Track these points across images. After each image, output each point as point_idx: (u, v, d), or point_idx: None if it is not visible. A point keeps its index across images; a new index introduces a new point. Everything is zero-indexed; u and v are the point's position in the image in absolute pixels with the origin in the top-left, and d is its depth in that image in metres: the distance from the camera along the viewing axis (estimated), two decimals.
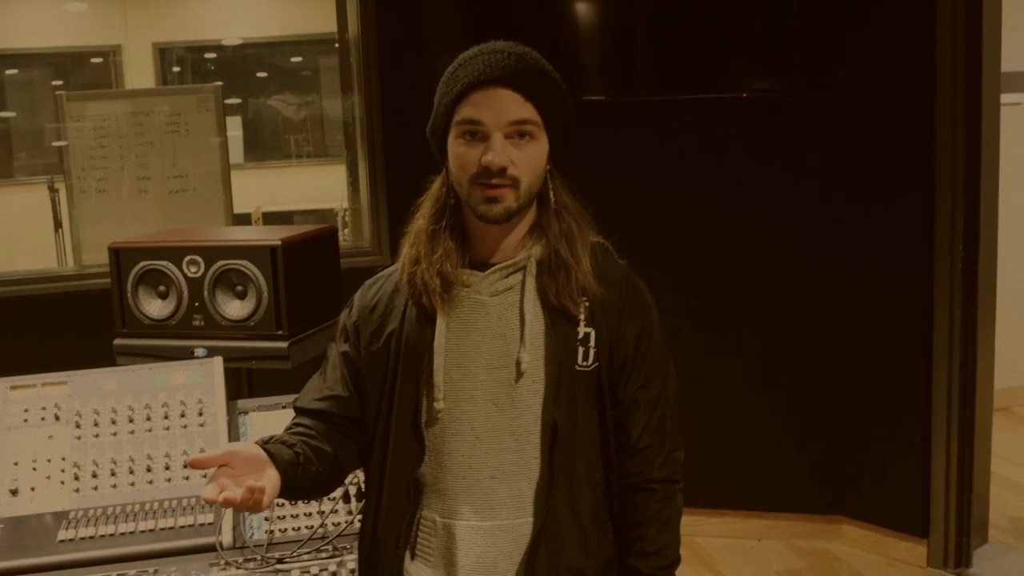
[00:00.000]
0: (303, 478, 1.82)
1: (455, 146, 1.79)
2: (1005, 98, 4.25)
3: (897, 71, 4.07)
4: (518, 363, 1.80)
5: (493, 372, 1.82)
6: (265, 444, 1.78)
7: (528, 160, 1.77)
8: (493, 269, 1.83)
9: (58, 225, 6.90)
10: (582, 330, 1.81)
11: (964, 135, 3.90)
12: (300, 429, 1.92)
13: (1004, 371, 4.39)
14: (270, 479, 1.71)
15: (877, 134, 4.15)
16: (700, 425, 4.41)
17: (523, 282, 1.82)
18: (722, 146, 4.39)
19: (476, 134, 1.76)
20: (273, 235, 3.08)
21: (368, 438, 1.91)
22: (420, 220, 1.89)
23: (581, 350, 1.81)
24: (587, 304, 1.82)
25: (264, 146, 9.22)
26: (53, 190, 6.90)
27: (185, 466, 2.55)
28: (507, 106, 1.75)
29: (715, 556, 4.33)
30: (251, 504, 1.62)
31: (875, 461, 4.30)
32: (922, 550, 4.15)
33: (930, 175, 3.98)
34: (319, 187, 8.16)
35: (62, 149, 5.30)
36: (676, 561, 1.91)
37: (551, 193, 1.85)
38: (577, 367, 1.81)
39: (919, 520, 4.16)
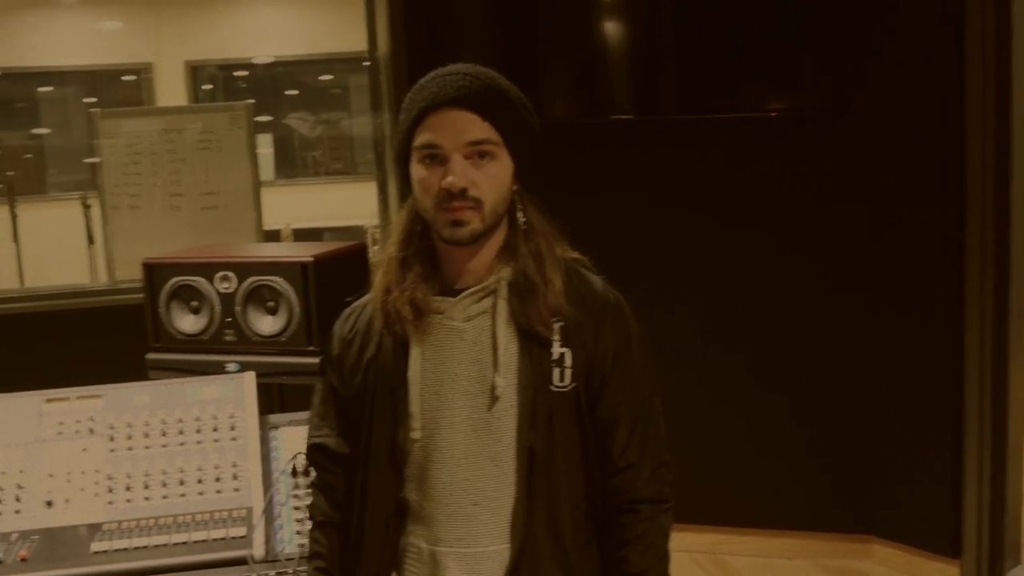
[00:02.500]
0: None
1: (416, 171, 1.79)
2: None
3: (924, 89, 4.06)
4: (493, 388, 1.79)
5: (470, 398, 1.81)
6: None
7: (490, 180, 1.76)
8: (465, 294, 1.82)
9: (91, 240, 6.97)
10: (556, 351, 1.79)
11: (994, 153, 3.87)
12: (319, 533, 2.01)
13: None
14: None
15: (905, 152, 4.14)
16: (730, 444, 4.41)
17: (495, 306, 1.81)
18: (747, 165, 4.39)
19: (436, 157, 1.75)
20: (304, 252, 3.09)
21: (353, 471, 1.92)
22: (390, 248, 1.89)
23: (557, 371, 1.79)
24: (561, 324, 1.79)
25: (294, 163, 9.28)
26: (86, 206, 6.97)
27: (217, 479, 2.57)
28: (463, 127, 1.74)
29: (745, 575, 4.31)
30: None
31: (906, 480, 4.27)
32: (954, 571, 4.12)
33: (960, 193, 3.96)
34: (348, 204, 8.20)
35: (95, 165, 5.36)
36: None
37: (519, 213, 1.84)
38: (553, 388, 1.79)
39: (950, 540, 4.12)
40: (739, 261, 4.41)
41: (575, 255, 1.91)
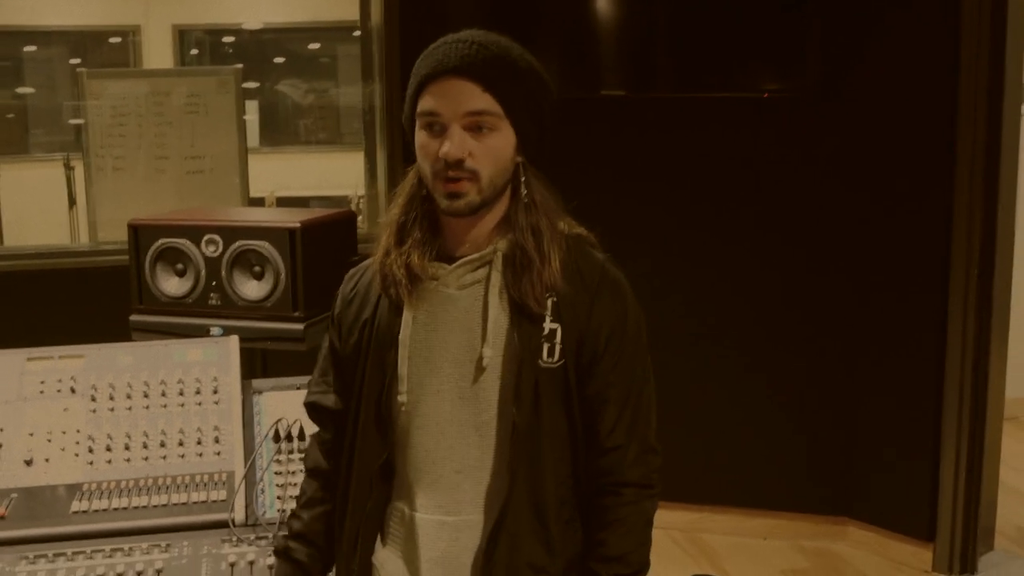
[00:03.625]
0: (317, 570, 1.98)
1: (418, 137, 1.78)
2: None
3: (918, 74, 4.07)
4: (480, 358, 1.78)
5: (458, 366, 1.81)
6: (287, 557, 2.00)
7: (489, 152, 1.74)
8: (460, 263, 1.81)
9: (72, 202, 6.92)
10: (548, 326, 1.77)
11: (984, 141, 3.89)
12: (309, 482, 2.04)
13: (1013, 381, 4.37)
14: None
15: (895, 137, 4.15)
16: (708, 422, 4.42)
17: (489, 276, 1.80)
18: (739, 145, 4.38)
19: (435, 126, 1.74)
20: (292, 217, 3.09)
21: (343, 427, 1.93)
22: (393, 210, 1.87)
23: (546, 346, 1.77)
24: (554, 299, 1.78)
25: (279, 131, 9.23)
26: (68, 167, 6.92)
27: (199, 443, 2.56)
28: (463, 97, 1.72)
29: (720, 553, 4.33)
30: None
31: (883, 464, 4.30)
32: (928, 554, 4.15)
33: (949, 180, 3.97)
34: (333, 174, 8.17)
35: (79, 127, 5.31)
36: (641, 569, 1.85)
37: (522, 187, 1.82)
38: (541, 363, 1.77)
39: (925, 524, 4.16)
40: (725, 240, 4.42)
41: (580, 231, 1.89)
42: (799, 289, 4.39)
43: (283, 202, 7.38)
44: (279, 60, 9.27)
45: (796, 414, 4.44)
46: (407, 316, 1.81)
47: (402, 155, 4.52)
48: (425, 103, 1.75)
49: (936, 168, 4.02)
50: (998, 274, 3.98)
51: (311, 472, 2.04)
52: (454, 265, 1.81)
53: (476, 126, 1.73)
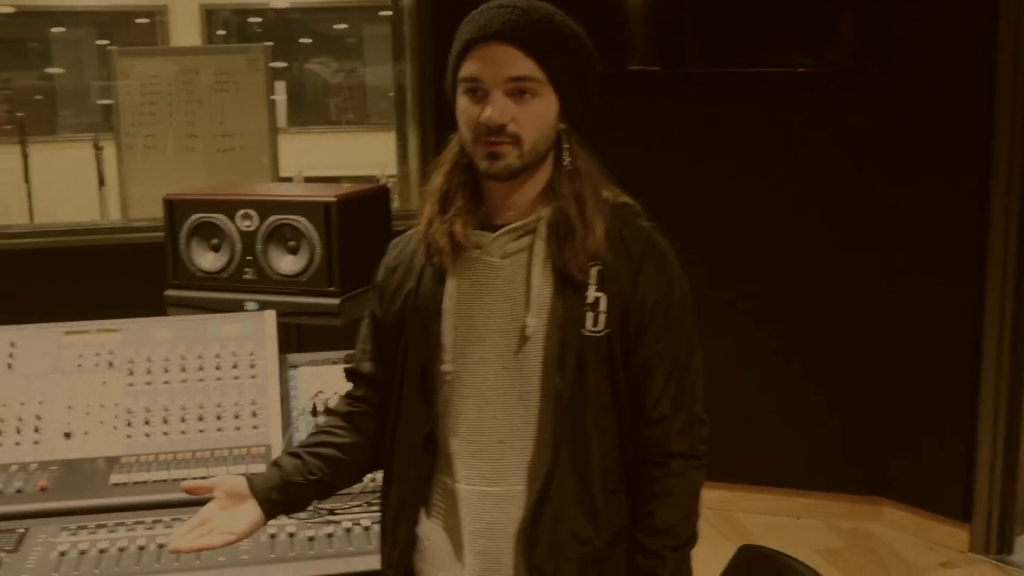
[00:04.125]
0: (296, 497, 1.92)
1: (460, 102, 1.76)
2: None
3: (954, 49, 4.02)
4: (523, 328, 1.76)
5: (502, 336, 1.79)
6: (275, 464, 1.94)
7: (531, 118, 1.72)
8: (504, 231, 1.79)
9: (102, 182, 6.95)
10: (592, 295, 1.75)
11: (1023, 119, 3.84)
12: (326, 426, 1.99)
13: None
14: (247, 513, 1.86)
15: (931, 114, 4.11)
16: (742, 401, 4.40)
17: (532, 245, 1.78)
18: (770, 122, 4.36)
19: (478, 91, 1.72)
20: (327, 192, 3.07)
21: (387, 399, 1.91)
22: (436, 179, 1.85)
23: (590, 315, 1.75)
24: (599, 268, 1.76)
25: (306, 111, 9.22)
26: (98, 148, 6.94)
27: (236, 416, 2.56)
28: (505, 62, 1.70)
29: (754, 532, 4.31)
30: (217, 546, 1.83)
31: (919, 443, 4.27)
32: (964, 535, 4.13)
33: (986, 160, 3.93)
34: (360, 154, 8.16)
35: (109, 106, 5.32)
36: (689, 541, 1.83)
37: (565, 154, 1.79)
38: (585, 332, 1.75)
39: (962, 504, 4.14)
40: (758, 219, 4.39)
41: (625, 199, 1.86)
42: (832, 268, 4.36)
43: (311, 181, 7.37)
44: (306, 40, 9.25)
45: (830, 393, 4.42)
46: (451, 285, 1.80)
47: (434, 134, 4.51)
48: (467, 69, 1.73)
49: (973, 146, 3.98)
50: None
51: (328, 412, 2.06)
52: (497, 233, 1.79)
53: (518, 91, 1.71)
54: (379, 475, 2.34)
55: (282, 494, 1.88)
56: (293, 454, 1.94)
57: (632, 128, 4.28)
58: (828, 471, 4.45)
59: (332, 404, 2.10)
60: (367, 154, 7.89)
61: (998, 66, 3.86)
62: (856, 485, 4.42)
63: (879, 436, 4.37)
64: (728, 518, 4.41)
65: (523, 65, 1.71)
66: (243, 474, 1.92)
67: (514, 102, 1.71)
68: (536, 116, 1.73)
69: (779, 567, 2.16)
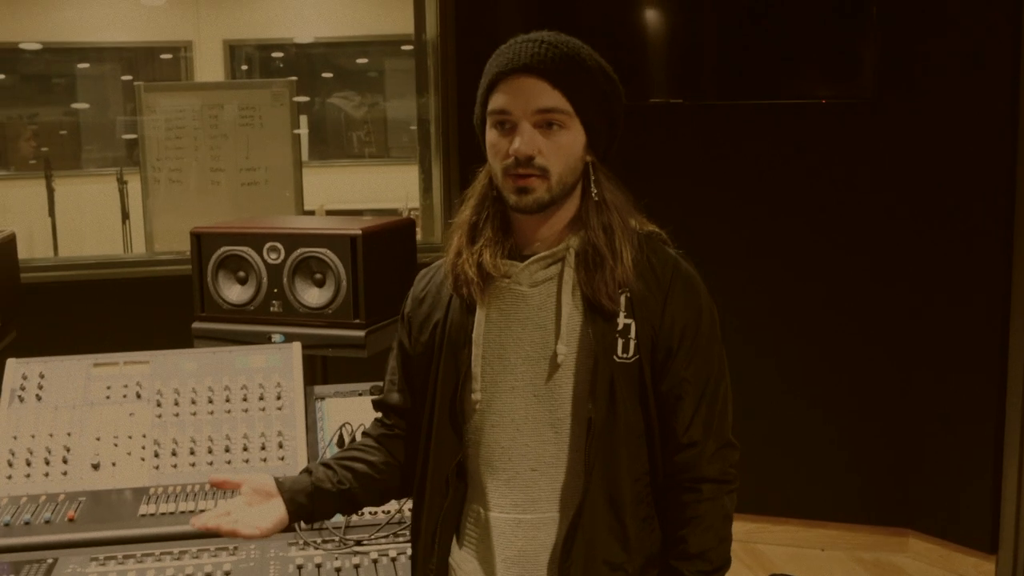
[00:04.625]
0: (323, 503, 1.93)
1: (489, 136, 1.79)
2: None
3: (977, 80, 4.03)
4: (554, 355, 1.78)
5: (532, 364, 1.81)
6: (306, 470, 1.96)
7: (558, 150, 1.74)
8: (532, 260, 1.81)
9: (125, 216, 7.00)
10: (622, 321, 1.77)
11: None
12: (360, 443, 2.02)
13: None
14: (273, 510, 1.88)
15: (954, 145, 4.11)
16: (766, 433, 4.39)
17: (561, 273, 1.80)
18: (793, 154, 4.37)
19: (506, 124, 1.75)
20: (353, 225, 3.10)
21: (417, 428, 1.93)
22: (465, 211, 1.88)
23: (621, 342, 1.77)
24: (628, 295, 1.78)
25: (328, 145, 9.29)
26: (122, 182, 7.00)
27: (263, 448, 2.57)
28: (534, 94, 1.73)
29: (778, 564, 4.29)
30: (230, 534, 1.82)
31: (944, 475, 4.25)
32: (990, 567, 4.10)
33: (1009, 189, 3.92)
34: (381, 188, 8.21)
35: (134, 141, 5.39)
36: (722, 566, 1.84)
37: (592, 185, 1.82)
38: (616, 359, 1.77)
39: (988, 536, 4.10)
40: (781, 250, 4.40)
41: (652, 228, 1.89)
42: (857, 299, 4.35)
43: (333, 215, 7.42)
44: (327, 75, 9.33)
45: (854, 424, 4.40)
46: (480, 315, 1.82)
47: (458, 167, 4.55)
48: (496, 101, 1.76)
49: (996, 176, 3.97)
50: None
51: (362, 434, 2.06)
52: (526, 262, 1.81)
53: (546, 123, 1.74)
54: (406, 505, 2.38)
55: (309, 499, 1.90)
56: (325, 464, 1.96)
57: (654, 161, 4.29)
58: (852, 502, 4.43)
59: (360, 433, 2.12)
60: (388, 187, 7.95)
61: (1021, 96, 3.86)
62: (880, 516, 4.40)
63: (903, 467, 4.35)
64: (752, 550, 4.39)
65: (550, 97, 1.73)
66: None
67: (542, 134, 1.74)
68: (563, 148, 1.75)
69: None
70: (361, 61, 9.51)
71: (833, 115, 4.25)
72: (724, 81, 4.29)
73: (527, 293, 1.81)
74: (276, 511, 1.87)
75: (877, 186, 4.28)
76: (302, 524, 2.32)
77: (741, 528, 4.40)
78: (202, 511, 2.39)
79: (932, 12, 4.11)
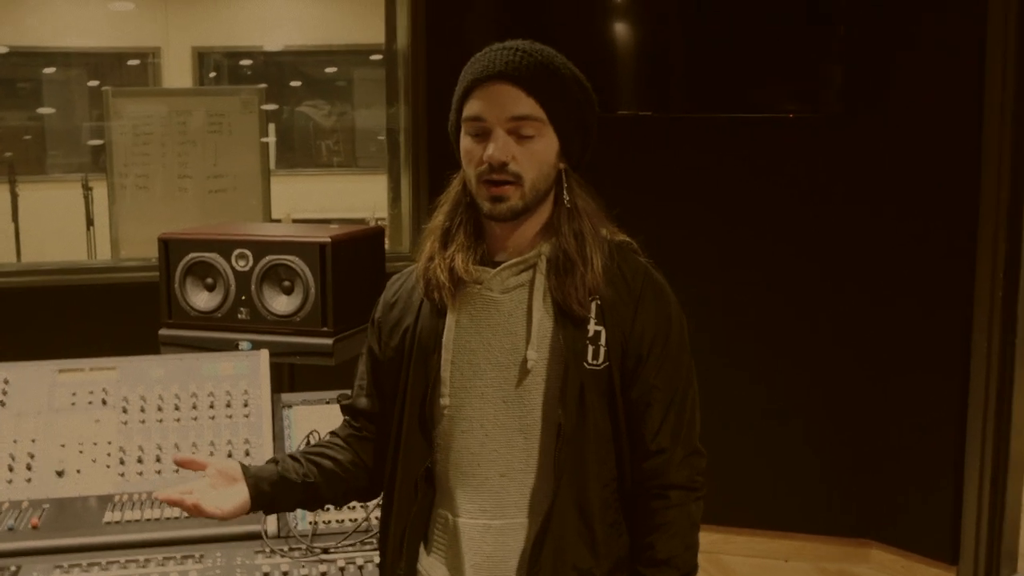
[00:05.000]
0: (287, 493, 1.93)
1: (463, 142, 1.80)
2: None
3: (942, 94, 4.08)
4: (524, 361, 1.79)
5: (502, 369, 1.82)
6: (272, 460, 1.97)
7: (531, 156, 1.76)
8: (504, 266, 1.82)
9: (90, 223, 6.94)
10: (592, 328, 1.79)
11: (1010, 162, 3.90)
12: (328, 440, 2.02)
13: None
14: (235, 494, 1.88)
15: (920, 158, 4.16)
16: (730, 444, 4.41)
17: (533, 280, 1.81)
18: (760, 167, 4.40)
19: (481, 131, 1.77)
20: (322, 233, 3.10)
21: (386, 433, 1.93)
22: (438, 217, 1.89)
23: (591, 348, 1.79)
24: (598, 302, 1.79)
25: (295, 154, 9.27)
26: (87, 188, 6.94)
27: (230, 455, 2.56)
28: (508, 101, 1.75)
29: (743, 575, 4.32)
30: (193, 513, 1.83)
31: (906, 486, 4.29)
32: None
33: (973, 202, 3.97)
34: (348, 197, 8.20)
35: (100, 146, 5.35)
36: (689, 572, 1.86)
37: (564, 192, 1.83)
38: (586, 365, 1.78)
39: (949, 547, 4.14)
40: (747, 261, 4.43)
41: (623, 237, 1.91)
42: (822, 310, 4.39)
43: (300, 224, 7.39)
44: (296, 83, 9.31)
45: (818, 436, 4.44)
46: (450, 319, 1.83)
47: (427, 177, 4.55)
48: (470, 108, 1.78)
49: (960, 189, 4.02)
50: (1022, 296, 3.97)
51: (330, 434, 2.06)
52: (498, 269, 1.82)
53: (519, 131, 1.76)
54: (373, 513, 2.38)
55: (273, 488, 1.90)
56: (292, 456, 1.96)
57: (621, 173, 4.31)
58: (816, 514, 4.46)
59: (328, 434, 2.11)
60: (355, 197, 7.93)
61: (985, 111, 3.92)
62: (844, 528, 4.43)
63: (866, 479, 4.38)
64: (716, 561, 4.41)
65: (525, 105, 1.75)
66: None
67: (515, 141, 1.76)
68: (537, 155, 1.77)
69: None
70: (330, 70, 9.49)
71: (800, 129, 4.29)
72: (692, 94, 4.32)
73: (498, 299, 1.82)
74: (239, 495, 1.87)
75: (844, 199, 4.32)
76: (267, 532, 2.33)
77: (706, 539, 4.34)
78: (168, 519, 2.40)
79: (899, 28, 4.15)
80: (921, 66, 4.13)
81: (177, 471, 2.52)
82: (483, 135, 1.77)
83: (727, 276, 4.43)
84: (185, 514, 2.36)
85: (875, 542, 4.39)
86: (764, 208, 4.40)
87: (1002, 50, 3.86)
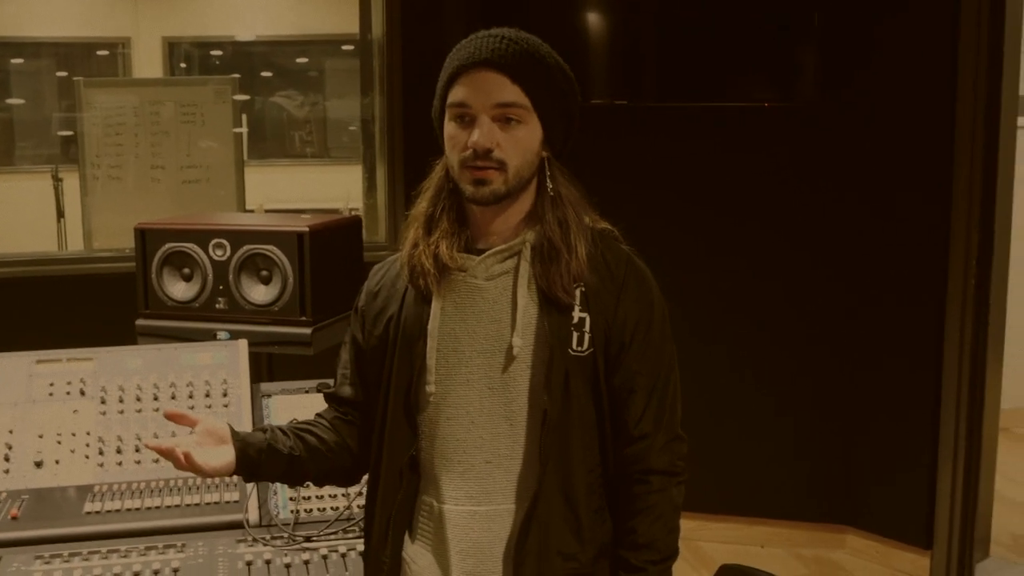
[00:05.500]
0: (272, 463, 1.91)
1: (448, 128, 1.81)
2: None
3: (916, 85, 4.11)
4: (510, 348, 1.80)
5: (487, 356, 1.82)
6: (259, 427, 1.95)
7: (516, 143, 1.77)
8: (488, 253, 1.83)
9: (60, 214, 6.89)
10: (576, 315, 1.80)
11: (982, 152, 3.92)
12: (315, 419, 2.02)
13: (1004, 392, 4.40)
14: (222, 454, 1.86)
15: (894, 148, 4.18)
16: (707, 430, 4.42)
17: (517, 267, 1.82)
18: (735, 156, 4.41)
19: (465, 117, 1.78)
20: (300, 222, 3.09)
21: (370, 421, 1.94)
22: (421, 203, 1.90)
23: (575, 335, 1.80)
24: (582, 289, 1.81)
25: (266, 144, 9.23)
26: (57, 179, 6.89)
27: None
28: (493, 88, 1.76)
29: (718, 561, 4.31)
30: (181, 464, 1.79)
31: (881, 472, 4.32)
32: (925, 562, 4.17)
33: (947, 190, 4.00)
34: (320, 187, 8.18)
35: (75, 136, 5.31)
36: (670, 556, 1.88)
37: (547, 180, 1.85)
38: (571, 352, 1.79)
39: (923, 532, 4.18)
40: (723, 250, 4.44)
41: (605, 225, 1.92)
42: (797, 299, 4.42)
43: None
44: (266, 74, 9.27)
45: (794, 422, 4.47)
46: (435, 307, 1.83)
47: (403, 167, 4.54)
48: (455, 95, 1.79)
49: (934, 179, 4.05)
50: (994, 284, 4.01)
51: (316, 416, 2.05)
52: (482, 256, 1.83)
53: (504, 118, 1.77)
54: (355, 502, 2.38)
55: (259, 455, 1.89)
56: (281, 429, 1.95)
57: (596, 162, 4.29)
58: (792, 500, 4.49)
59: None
60: (327, 187, 7.91)
61: (958, 100, 3.94)
62: (820, 514, 4.46)
63: (842, 465, 4.42)
64: (692, 547, 4.44)
65: (510, 92, 1.76)
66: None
67: (500, 128, 1.77)
68: (521, 142, 1.78)
69: None
70: (301, 60, 9.45)
71: (776, 117, 4.31)
72: (667, 83, 4.33)
73: (483, 286, 1.83)
74: (226, 455, 1.86)
75: (819, 187, 4.34)
76: (249, 520, 2.33)
77: (682, 525, 4.33)
78: (148, 509, 2.39)
79: (873, 16, 4.18)
80: (896, 55, 4.15)
81: (157, 461, 2.52)
82: (468, 121, 1.77)
83: (703, 264, 4.45)
84: (166, 504, 2.40)
85: (851, 528, 4.43)
86: (740, 196, 4.41)
87: (975, 38, 3.89)
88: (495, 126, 1.76)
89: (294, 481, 2.03)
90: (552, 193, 1.84)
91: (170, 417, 1.86)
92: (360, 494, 2.44)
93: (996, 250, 3.99)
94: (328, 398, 2.03)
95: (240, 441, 1.88)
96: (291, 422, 1.99)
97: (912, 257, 4.16)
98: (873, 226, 4.26)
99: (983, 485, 4.14)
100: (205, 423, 1.86)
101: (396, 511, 1.89)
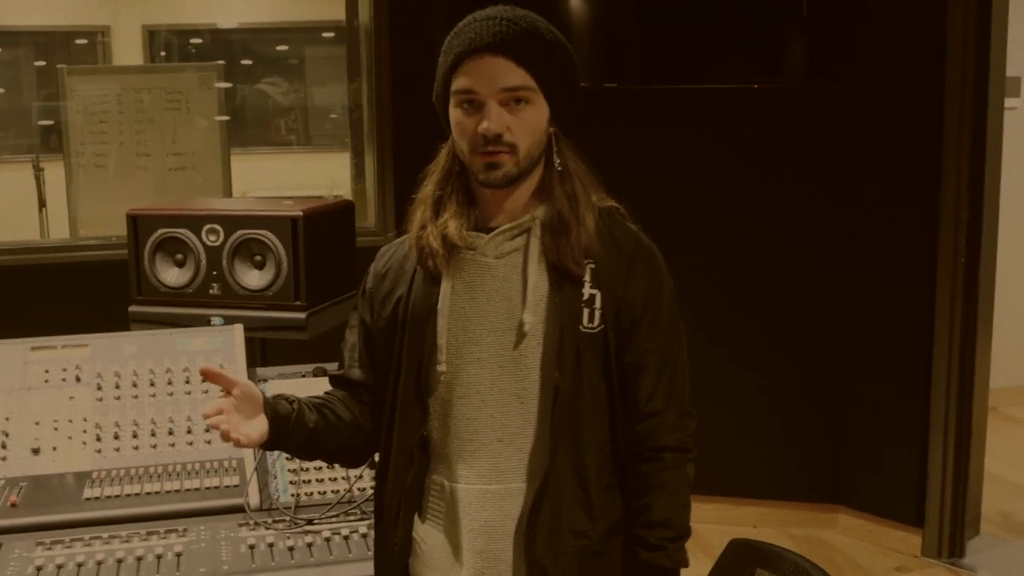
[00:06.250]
0: (297, 435, 1.88)
1: (454, 115, 1.80)
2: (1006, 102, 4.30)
3: (905, 66, 4.12)
4: (520, 325, 1.80)
5: (498, 335, 1.82)
6: (280, 395, 1.92)
7: (525, 125, 1.77)
8: (498, 231, 1.83)
9: (42, 204, 6.84)
10: (587, 291, 1.80)
11: (970, 133, 3.95)
12: (329, 395, 1.99)
13: (993, 372, 4.43)
14: (258, 426, 1.83)
15: (883, 129, 4.20)
16: (697, 411, 4.43)
17: (527, 244, 1.82)
18: (724, 138, 4.42)
19: (472, 103, 1.77)
20: (293, 206, 3.07)
21: (380, 403, 1.93)
22: (428, 186, 1.90)
23: (586, 311, 1.80)
24: (592, 266, 1.81)
25: (247, 132, 9.17)
26: (39, 169, 6.83)
27: (207, 430, 2.54)
28: (499, 73, 1.75)
29: (711, 541, 4.34)
30: (231, 439, 1.78)
31: (872, 452, 4.35)
32: (916, 540, 4.21)
33: (936, 170, 4.03)
34: (302, 175, 8.14)
35: (58, 125, 5.27)
36: (685, 533, 1.89)
37: (555, 156, 1.85)
38: (582, 328, 1.79)
39: (914, 511, 4.21)
40: (712, 231, 4.46)
41: (611, 203, 1.92)
42: (787, 279, 4.43)
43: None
44: (247, 62, 9.21)
45: (785, 402, 4.49)
46: (445, 286, 1.83)
47: (392, 152, 4.53)
48: (460, 82, 1.77)
49: (923, 159, 4.07)
50: (983, 264, 4.04)
51: (326, 393, 2.02)
52: (492, 234, 1.82)
53: (512, 101, 1.76)
54: (356, 484, 2.38)
55: (285, 429, 1.86)
56: (305, 403, 1.93)
57: (587, 144, 4.31)
58: (784, 480, 4.51)
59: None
60: (311, 175, 7.87)
61: (946, 79, 3.97)
62: (811, 493, 4.49)
63: (833, 445, 4.44)
64: None
65: (516, 75, 1.76)
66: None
67: (508, 111, 1.76)
68: (529, 123, 1.78)
69: (772, 558, 2.21)
70: (281, 48, 9.40)
71: (765, 100, 4.32)
72: (657, 65, 4.32)
73: (493, 264, 1.82)
74: (260, 427, 1.83)
75: (808, 169, 4.36)
76: (250, 504, 2.32)
77: None
78: (149, 494, 2.38)
79: (863, 4, 4.18)
80: (884, 36, 4.17)
81: (155, 447, 2.51)
82: (475, 107, 1.77)
83: (691, 246, 4.44)
84: (166, 489, 2.39)
85: (842, 507, 4.46)
86: (729, 177, 4.42)
87: (963, 19, 3.91)
88: (503, 110, 1.75)
89: (308, 455, 2.01)
90: (560, 168, 1.84)
91: (206, 374, 1.83)
92: (360, 477, 2.44)
93: (985, 230, 4.02)
94: (335, 381, 2.02)
95: (271, 412, 1.85)
96: (308, 397, 1.97)
97: (902, 237, 4.18)
98: (863, 206, 4.28)
99: (973, 463, 4.18)
100: (242, 386, 1.83)
101: (407, 491, 1.89)
